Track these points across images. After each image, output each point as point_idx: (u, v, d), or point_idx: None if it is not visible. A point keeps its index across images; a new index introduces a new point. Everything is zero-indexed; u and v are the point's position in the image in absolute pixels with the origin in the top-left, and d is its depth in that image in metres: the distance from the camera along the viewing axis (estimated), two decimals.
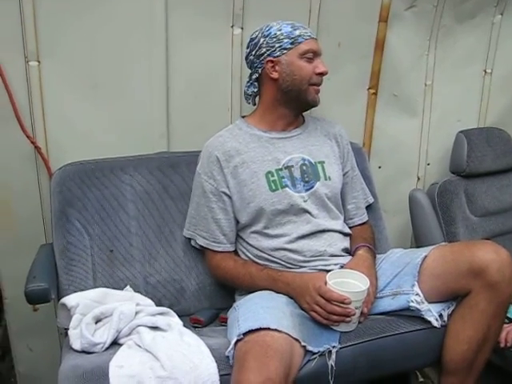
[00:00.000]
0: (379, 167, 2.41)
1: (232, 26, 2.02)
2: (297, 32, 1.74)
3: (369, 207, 2.03)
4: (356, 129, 2.32)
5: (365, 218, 1.96)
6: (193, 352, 1.43)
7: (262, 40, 1.77)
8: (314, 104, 1.81)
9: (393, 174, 2.45)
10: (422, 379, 2.28)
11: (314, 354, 1.48)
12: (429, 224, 2.27)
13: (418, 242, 2.32)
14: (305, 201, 1.77)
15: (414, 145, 2.49)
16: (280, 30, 1.75)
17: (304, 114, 1.91)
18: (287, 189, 1.76)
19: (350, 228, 1.90)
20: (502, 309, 1.60)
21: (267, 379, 1.29)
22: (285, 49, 1.74)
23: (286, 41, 1.74)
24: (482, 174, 2.40)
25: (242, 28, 2.03)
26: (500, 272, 1.54)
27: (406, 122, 2.42)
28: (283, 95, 1.78)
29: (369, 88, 2.30)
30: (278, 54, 1.75)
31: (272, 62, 1.76)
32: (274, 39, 1.75)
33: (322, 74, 1.77)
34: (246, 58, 1.84)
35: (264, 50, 1.76)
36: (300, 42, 1.74)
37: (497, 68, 2.55)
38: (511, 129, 2.54)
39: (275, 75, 1.76)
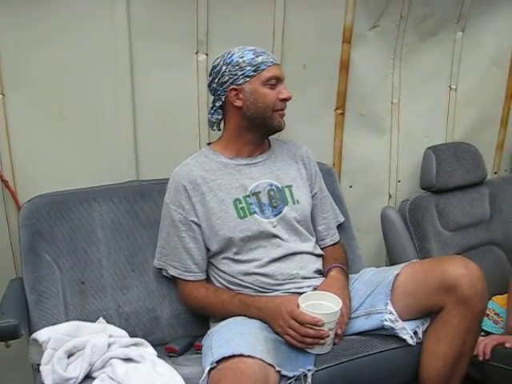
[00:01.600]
0: (350, 186, 2.43)
1: (196, 53, 2.02)
2: (259, 59, 1.74)
3: (341, 227, 2.04)
4: (325, 149, 2.33)
5: (336, 238, 1.96)
6: (167, 382, 1.41)
7: (224, 68, 1.76)
8: (279, 129, 1.81)
9: (364, 192, 2.46)
10: None
11: (290, 378, 1.46)
12: (401, 241, 2.27)
13: (391, 259, 2.32)
14: (274, 226, 1.76)
15: (383, 163, 2.51)
16: (242, 57, 1.74)
17: (270, 137, 1.91)
18: (256, 215, 1.75)
19: (322, 249, 1.90)
20: (475, 323, 1.60)
21: None
22: (248, 76, 1.73)
23: (248, 68, 1.73)
24: (452, 188, 2.41)
25: (206, 54, 2.03)
26: (471, 287, 1.55)
27: (374, 141, 2.44)
28: (248, 122, 1.77)
29: (336, 108, 2.32)
30: (240, 81, 1.74)
31: (235, 90, 1.75)
32: (237, 67, 1.74)
33: (285, 100, 1.77)
34: (209, 85, 1.83)
35: (227, 77, 1.75)
36: (263, 70, 1.73)
37: (461, 83, 2.59)
38: (478, 143, 2.56)
39: (239, 103, 1.76)
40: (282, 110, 1.78)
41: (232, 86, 1.75)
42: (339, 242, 1.97)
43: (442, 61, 2.53)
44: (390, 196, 2.55)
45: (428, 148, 2.41)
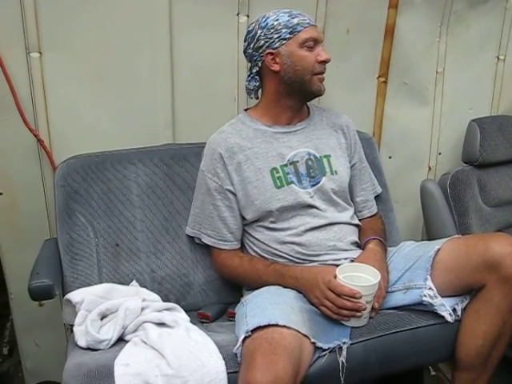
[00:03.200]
0: (389, 157, 2.38)
1: (237, 14, 1.98)
2: (295, 20, 1.68)
3: (379, 198, 1.99)
4: (365, 118, 2.27)
5: (374, 210, 1.92)
6: (200, 349, 1.40)
7: (259, 32, 1.70)
8: (318, 94, 1.75)
9: (403, 164, 2.41)
10: (433, 373, 2.25)
11: (324, 350, 1.44)
12: (441, 215, 2.22)
13: (429, 233, 2.27)
14: (311, 196, 1.73)
15: (425, 134, 2.44)
16: (277, 19, 1.69)
17: (310, 104, 1.87)
18: (293, 185, 1.72)
19: (359, 220, 1.86)
20: None
21: (275, 378, 1.25)
22: (284, 39, 1.68)
23: (284, 31, 1.68)
24: (495, 163, 2.35)
25: (247, 16, 1.98)
26: None
27: (416, 111, 2.38)
28: (286, 87, 1.72)
29: (378, 76, 2.26)
30: (277, 45, 1.69)
31: (272, 54, 1.70)
32: (272, 30, 1.68)
33: (324, 62, 1.71)
34: (245, 51, 1.78)
35: (262, 42, 1.70)
36: (299, 31, 1.68)
37: (510, 54, 2.49)
38: None
39: (276, 67, 1.70)
40: (322, 73, 1.72)
41: (268, 50, 1.70)
42: (377, 214, 1.93)
43: (491, 30, 2.43)
44: (429, 168, 2.49)
45: (472, 120, 2.34)
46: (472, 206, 2.25)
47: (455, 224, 2.22)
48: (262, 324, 1.37)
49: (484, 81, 2.50)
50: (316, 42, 1.70)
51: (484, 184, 2.32)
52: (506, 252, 1.50)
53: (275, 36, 1.68)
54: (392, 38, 2.20)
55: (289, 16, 1.69)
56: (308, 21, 1.70)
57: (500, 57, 2.49)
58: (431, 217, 2.26)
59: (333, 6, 2.07)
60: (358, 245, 1.79)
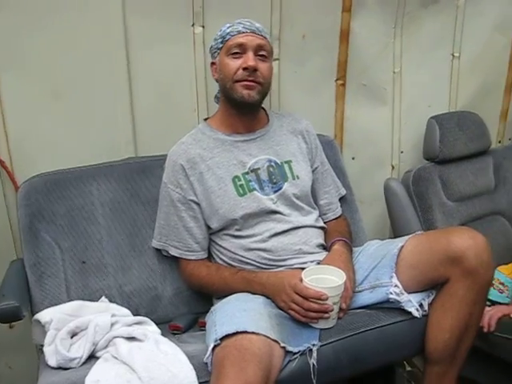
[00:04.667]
0: (353, 158, 2.40)
1: (193, 25, 1.98)
2: (228, 29, 1.70)
3: (344, 200, 2.01)
4: (326, 121, 2.29)
5: (339, 212, 1.94)
6: (170, 361, 1.40)
7: (212, 43, 1.77)
8: (243, 101, 1.69)
9: (367, 164, 2.44)
10: (409, 368, 2.27)
11: (295, 353, 1.45)
12: (405, 212, 2.25)
13: (395, 231, 2.30)
14: (274, 203, 1.74)
15: (386, 133, 2.47)
16: (220, 30, 1.73)
17: (269, 111, 1.88)
18: (255, 192, 1.73)
19: (324, 223, 1.87)
20: (481, 295, 1.58)
21: None
22: (218, 49, 1.73)
23: (219, 40, 1.72)
24: (456, 158, 2.38)
25: (202, 26, 1.99)
26: (477, 258, 1.52)
27: (376, 111, 2.41)
28: (225, 96, 1.75)
29: (336, 79, 2.28)
30: (215, 55, 1.75)
31: (214, 64, 1.76)
32: (215, 41, 1.74)
33: (247, 69, 1.66)
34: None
35: (211, 53, 1.77)
36: (227, 40, 1.69)
37: (464, 51, 2.54)
38: (482, 112, 2.53)
39: (216, 76, 1.76)
40: (245, 80, 1.68)
41: (212, 60, 1.76)
42: (342, 216, 1.95)
43: (444, 28, 2.47)
44: (392, 167, 2.52)
45: (431, 117, 2.37)
46: (435, 202, 2.28)
47: (420, 220, 2.25)
48: (230, 332, 1.37)
49: (441, 78, 2.54)
50: (244, 48, 1.68)
51: (446, 179, 2.34)
52: (468, 245, 1.53)
53: (215, 46, 1.74)
54: (347, 41, 2.23)
55: (229, 25, 1.71)
56: (240, 28, 1.69)
57: (455, 54, 2.53)
58: (396, 215, 2.28)
59: (287, 13, 2.09)
60: (324, 247, 1.80)
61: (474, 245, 1.53)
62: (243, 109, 1.75)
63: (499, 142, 2.81)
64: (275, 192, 1.75)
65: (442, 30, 2.46)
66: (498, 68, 2.67)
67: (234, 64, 1.68)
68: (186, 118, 2.05)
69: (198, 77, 2.02)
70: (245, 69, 1.67)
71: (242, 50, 1.68)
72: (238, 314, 1.46)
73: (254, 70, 1.67)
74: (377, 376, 1.84)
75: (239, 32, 1.69)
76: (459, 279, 1.53)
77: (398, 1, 2.28)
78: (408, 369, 2.27)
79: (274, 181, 1.76)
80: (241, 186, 1.72)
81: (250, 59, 1.67)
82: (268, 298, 1.59)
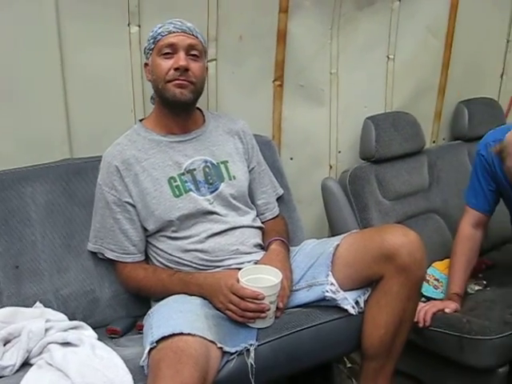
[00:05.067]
0: (291, 158, 2.41)
1: (128, 25, 1.95)
2: (160, 30, 1.69)
3: (281, 199, 2.03)
4: (264, 122, 2.30)
5: (276, 211, 1.95)
6: (106, 366, 1.38)
7: (145, 44, 1.76)
8: (176, 100, 1.68)
9: (305, 164, 2.45)
10: (350, 365, 2.30)
11: (232, 354, 1.45)
12: (342, 211, 2.28)
13: (333, 230, 2.32)
14: (211, 203, 1.74)
15: (324, 134, 2.49)
16: (152, 30, 1.72)
17: (205, 111, 1.88)
18: (191, 193, 1.72)
19: (262, 223, 1.88)
20: (415, 291, 1.62)
21: None
22: (150, 50, 1.72)
23: (151, 41, 1.72)
24: (391, 158, 2.43)
25: (139, 26, 1.96)
26: (410, 255, 1.56)
27: (314, 112, 2.42)
28: (158, 97, 1.75)
29: (274, 80, 2.29)
30: (148, 56, 1.74)
31: (147, 65, 1.75)
32: (147, 42, 1.74)
33: (178, 69, 1.66)
34: None
35: (145, 53, 1.76)
36: (158, 40, 1.69)
37: (399, 53, 2.59)
38: (417, 112, 2.60)
39: (149, 77, 1.75)
40: (177, 79, 1.67)
41: (145, 61, 1.76)
42: (280, 215, 1.97)
43: (379, 30, 2.52)
44: (330, 167, 2.55)
45: (367, 118, 2.41)
46: (371, 201, 2.32)
47: (356, 219, 2.28)
48: (166, 334, 1.36)
49: (376, 79, 2.58)
50: (175, 48, 1.68)
51: (382, 179, 2.39)
52: (401, 242, 1.57)
53: (147, 47, 1.73)
54: (284, 42, 2.24)
55: (160, 25, 1.70)
56: (171, 28, 1.68)
57: (390, 56, 2.57)
58: (333, 214, 2.31)
59: (224, 13, 2.08)
60: (262, 247, 1.81)
61: (407, 242, 1.57)
62: (177, 109, 1.74)
63: (433, 141, 2.88)
64: (212, 192, 1.75)
65: (377, 31, 2.51)
66: (432, 69, 2.74)
67: (165, 64, 1.67)
68: (123, 118, 2.01)
69: (134, 77, 2.00)
70: (176, 69, 1.66)
71: (173, 50, 1.68)
72: (175, 316, 1.45)
73: (186, 69, 1.67)
74: (315, 374, 1.86)
75: (170, 32, 1.68)
76: (393, 276, 1.57)
77: (335, 2, 2.31)
78: (348, 365, 2.30)
79: (211, 181, 1.75)
80: (177, 187, 1.71)
81: (181, 59, 1.66)
82: (205, 298, 1.59)
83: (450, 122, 2.88)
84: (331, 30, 2.36)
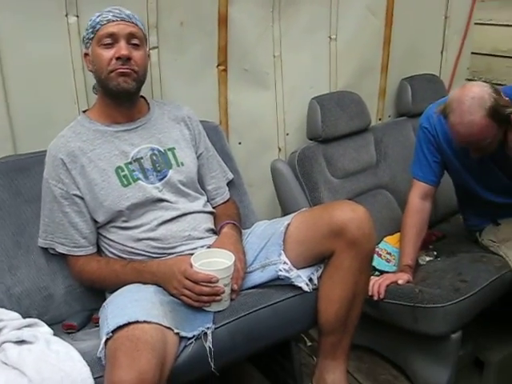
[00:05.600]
0: (239, 143, 2.41)
1: (66, 15, 1.91)
2: (98, 19, 1.66)
3: (232, 184, 2.04)
4: (210, 107, 2.29)
5: (227, 195, 1.96)
6: (62, 360, 1.37)
7: (84, 33, 1.73)
8: (120, 89, 1.67)
9: (254, 147, 2.46)
10: (310, 343, 2.33)
11: (190, 338, 1.46)
12: (292, 192, 2.30)
13: (284, 211, 2.34)
14: (160, 191, 1.73)
15: (271, 117, 2.50)
16: (91, 19, 1.69)
17: (149, 99, 1.87)
18: (140, 182, 1.71)
19: (214, 208, 1.89)
20: (365, 264, 1.66)
21: (139, 374, 1.25)
22: (90, 39, 1.68)
23: (90, 31, 1.68)
24: (338, 137, 2.46)
25: (77, 16, 1.92)
26: (359, 229, 1.59)
27: (260, 95, 2.43)
28: (101, 87, 1.72)
29: (218, 65, 2.28)
30: (88, 45, 1.70)
31: (87, 55, 1.72)
32: (86, 32, 1.70)
33: (120, 58, 1.64)
34: None
35: (84, 43, 1.73)
36: (98, 29, 1.66)
37: (341, 33, 2.61)
38: (362, 91, 2.64)
39: (90, 68, 1.72)
40: (119, 69, 1.65)
41: (84, 51, 1.72)
42: (230, 199, 1.98)
43: (320, 11, 2.53)
44: (279, 149, 2.56)
45: (312, 99, 2.43)
46: (321, 180, 2.34)
47: (307, 199, 2.30)
48: (121, 323, 1.36)
49: (320, 60, 2.59)
50: (115, 37, 1.66)
51: (330, 158, 2.42)
52: (349, 217, 1.60)
53: (86, 37, 1.70)
54: (226, 27, 2.23)
55: (98, 14, 1.67)
56: (110, 17, 1.66)
57: (332, 36, 2.59)
58: (284, 195, 2.33)
59: (164, 0, 2.06)
60: (214, 231, 1.82)
61: (355, 217, 1.60)
62: (121, 98, 1.72)
63: (379, 119, 2.92)
64: (160, 180, 1.74)
65: (318, 13, 2.52)
66: (374, 48, 2.78)
67: (107, 54, 1.65)
68: (67, 110, 1.97)
69: (75, 68, 1.96)
70: (118, 58, 1.64)
71: (113, 39, 1.65)
72: (130, 305, 1.45)
73: (128, 58, 1.65)
74: (275, 352, 1.89)
75: (109, 21, 1.66)
76: (344, 250, 1.60)
77: None
78: (309, 344, 2.33)
79: (159, 169, 1.75)
80: (124, 176, 1.70)
81: (122, 48, 1.64)
82: (160, 286, 1.59)
83: (394, 99, 2.93)
84: (272, 12, 2.36)
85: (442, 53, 3.14)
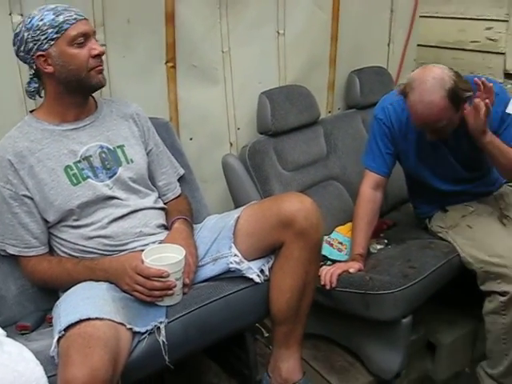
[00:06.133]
0: (190, 139, 2.42)
1: (10, 14, 1.89)
2: (60, 18, 1.63)
3: (183, 179, 2.05)
4: (160, 104, 2.29)
5: (178, 191, 1.98)
6: (15, 360, 1.37)
7: (26, 34, 1.63)
8: (100, 86, 1.73)
9: (205, 143, 2.47)
10: (267, 334, 2.36)
11: (143, 334, 1.48)
12: (244, 186, 2.32)
13: (237, 205, 2.32)
14: (110, 188, 1.74)
15: (221, 112, 2.52)
16: (42, 19, 1.62)
17: (97, 97, 1.86)
18: (89, 180, 1.71)
19: (165, 204, 1.91)
20: (314, 254, 1.70)
21: (92, 370, 1.26)
22: (52, 39, 1.62)
23: (50, 31, 1.62)
24: (288, 130, 2.49)
25: (21, 15, 1.90)
26: (307, 220, 1.63)
27: (209, 91, 2.44)
28: (65, 87, 1.69)
29: (166, 62, 2.28)
30: (46, 46, 1.63)
31: (43, 56, 1.64)
32: (38, 31, 1.62)
33: (98, 56, 1.68)
34: (17, 54, 1.71)
35: (31, 44, 1.63)
36: (66, 29, 1.63)
37: (288, 28, 2.64)
38: (311, 84, 2.67)
39: (50, 69, 1.66)
40: (98, 66, 1.69)
41: (38, 53, 1.64)
42: (182, 195, 1.99)
43: (268, 7, 2.55)
44: (231, 144, 2.58)
45: (261, 93, 2.46)
46: (272, 173, 2.37)
47: (259, 192, 2.33)
48: (73, 321, 1.36)
49: (268, 55, 2.62)
50: (87, 36, 1.67)
51: (280, 151, 2.45)
52: (297, 208, 1.64)
53: (42, 37, 1.62)
54: (173, 24, 2.23)
55: (54, 14, 1.63)
56: (75, 16, 1.65)
57: (280, 31, 2.62)
58: (236, 189, 2.35)
59: None
60: (166, 227, 1.83)
61: (302, 208, 1.64)
62: (90, 94, 1.77)
63: (329, 112, 2.96)
64: (110, 177, 1.74)
65: (266, 8, 2.54)
66: (322, 42, 2.81)
67: (83, 53, 1.65)
68: (14, 111, 1.95)
69: (21, 68, 1.94)
70: (96, 56, 1.67)
71: (85, 38, 1.66)
72: (82, 303, 1.46)
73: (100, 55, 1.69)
74: (230, 344, 1.91)
75: (76, 20, 1.65)
76: (293, 241, 1.64)
77: None
78: (266, 335, 2.36)
79: (108, 166, 1.75)
80: (74, 175, 1.70)
81: (97, 46, 1.68)
82: (112, 283, 1.60)
83: (343, 92, 2.97)
84: (220, 9, 2.37)
85: (388, 45, 3.19)
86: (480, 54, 3.00)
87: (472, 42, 3.04)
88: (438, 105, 1.85)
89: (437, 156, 2.14)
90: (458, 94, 1.85)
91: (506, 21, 2.87)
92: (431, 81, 1.85)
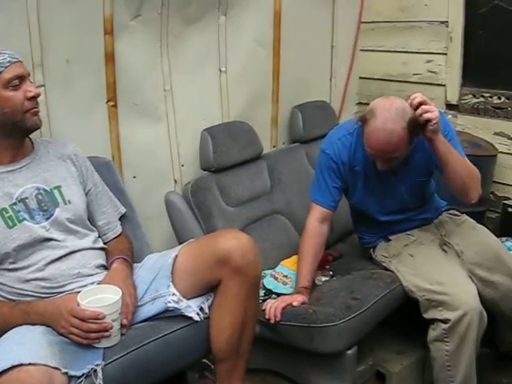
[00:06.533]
0: (134, 177, 2.42)
1: None
2: None
3: (125, 218, 2.05)
4: (101, 143, 2.29)
5: (118, 230, 1.97)
6: None
7: None
8: (35, 128, 1.73)
9: (149, 181, 2.48)
10: (213, 366, 2.34)
11: (80, 377, 1.45)
12: (187, 223, 2.33)
13: (181, 242, 2.33)
14: (47, 230, 1.72)
15: (164, 150, 2.53)
16: None
17: (33, 139, 1.86)
18: (26, 222, 1.69)
19: (105, 243, 1.90)
20: (252, 290, 1.72)
21: None
22: None
23: None
24: (231, 166, 2.52)
25: None
26: (243, 257, 1.65)
27: (152, 129, 2.46)
28: (0, 129, 1.69)
29: (107, 101, 2.29)
30: None
31: None
32: None
33: (34, 98, 1.70)
34: None
35: None
36: (0, 72, 1.63)
37: (230, 65, 2.69)
38: (254, 120, 2.73)
39: None
40: (34, 108, 1.70)
41: None
42: (123, 234, 1.99)
43: (209, 45, 2.60)
44: (175, 181, 2.59)
45: (203, 130, 2.49)
46: (215, 210, 2.39)
47: (202, 229, 2.34)
48: (6, 367, 1.33)
49: (211, 92, 2.66)
50: (22, 78, 1.67)
51: (223, 187, 2.47)
52: (233, 245, 1.66)
53: None
54: (113, 63, 2.25)
55: None
56: (9, 59, 1.65)
57: (222, 69, 2.67)
58: (179, 226, 2.35)
59: (48, 39, 2.06)
60: (106, 267, 1.82)
61: (238, 244, 1.66)
62: (26, 136, 1.76)
63: (274, 146, 3.01)
64: (47, 219, 1.73)
65: (207, 46, 2.59)
66: (264, 78, 2.88)
67: (18, 96, 1.65)
68: None
69: None
70: (31, 98, 1.67)
71: (20, 80, 1.66)
72: (16, 347, 1.42)
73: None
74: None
75: (10, 62, 1.65)
76: (230, 278, 1.65)
77: (161, 20, 2.37)
78: (213, 366, 2.34)
79: (45, 208, 1.73)
80: (9, 217, 1.67)
81: (32, 88, 1.69)
82: (49, 326, 1.57)
83: (287, 127, 3.02)
84: (160, 47, 2.41)
85: (330, 80, 3.29)
86: (422, 85, 3.11)
87: (414, 74, 3.18)
88: (398, 134, 1.90)
89: (384, 186, 2.19)
90: (414, 127, 1.91)
91: (445, 54, 3.00)
92: (395, 111, 1.90)
